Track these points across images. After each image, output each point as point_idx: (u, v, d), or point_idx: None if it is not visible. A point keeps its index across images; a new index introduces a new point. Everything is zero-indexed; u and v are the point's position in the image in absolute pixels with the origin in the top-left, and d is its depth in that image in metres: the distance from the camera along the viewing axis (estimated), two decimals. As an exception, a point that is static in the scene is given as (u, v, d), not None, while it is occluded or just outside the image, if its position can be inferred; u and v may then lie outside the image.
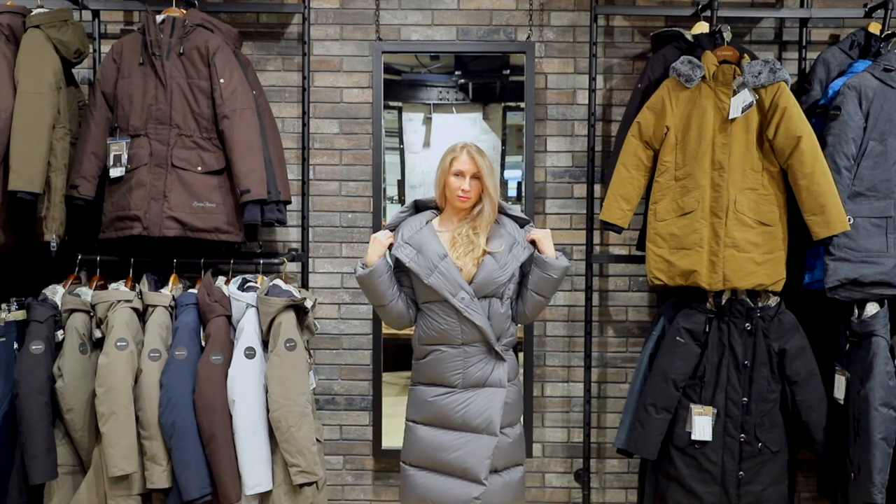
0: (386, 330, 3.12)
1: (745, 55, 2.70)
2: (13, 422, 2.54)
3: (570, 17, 3.12)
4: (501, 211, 2.43)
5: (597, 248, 3.11)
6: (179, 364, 2.54)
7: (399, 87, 3.20)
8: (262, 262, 2.88)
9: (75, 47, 2.72)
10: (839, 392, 2.65)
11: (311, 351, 2.94)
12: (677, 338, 2.66)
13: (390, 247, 2.39)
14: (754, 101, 2.60)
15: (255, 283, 2.77)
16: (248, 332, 2.61)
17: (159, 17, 2.73)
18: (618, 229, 2.78)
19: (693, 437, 2.62)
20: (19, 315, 2.63)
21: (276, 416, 2.54)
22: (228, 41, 2.77)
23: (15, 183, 2.52)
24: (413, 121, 3.28)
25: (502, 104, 3.27)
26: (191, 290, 2.71)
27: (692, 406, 2.64)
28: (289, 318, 2.59)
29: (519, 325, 2.51)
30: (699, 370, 2.65)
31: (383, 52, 3.08)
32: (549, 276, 2.36)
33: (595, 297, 3.11)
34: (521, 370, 3.13)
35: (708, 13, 2.83)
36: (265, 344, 2.65)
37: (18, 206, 2.61)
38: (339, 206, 3.15)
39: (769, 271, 2.60)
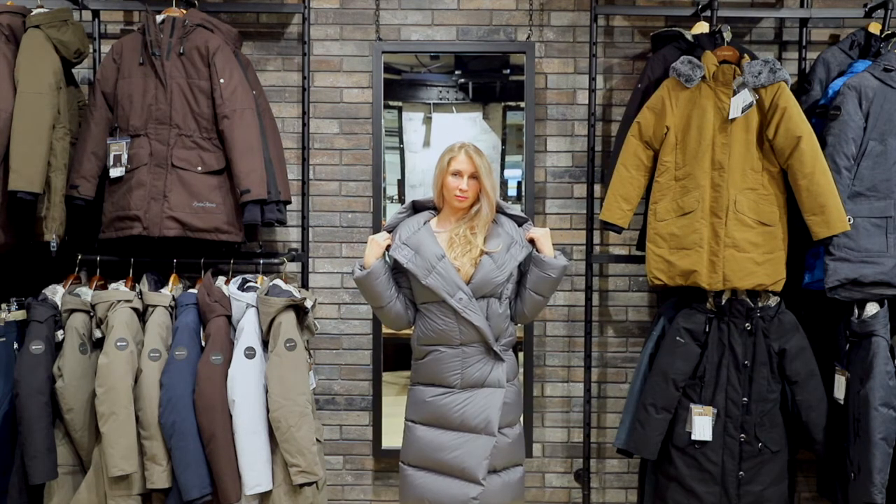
0: (386, 330, 3.12)
1: (745, 55, 2.70)
2: (13, 422, 2.54)
3: (570, 17, 3.12)
4: (499, 210, 2.43)
5: (597, 248, 3.11)
6: (179, 364, 2.54)
7: (399, 87, 3.20)
8: (262, 262, 2.88)
9: (75, 47, 2.72)
10: (839, 392, 2.65)
11: (311, 351, 2.94)
12: (677, 338, 2.66)
13: (388, 248, 2.39)
14: (754, 101, 2.60)
15: (255, 283, 2.77)
16: (248, 332, 2.61)
17: (159, 17, 2.73)
18: (618, 229, 2.78)
19: (693, 437, 2.62)
20: (19, 315, 2.63)
21: (276, 416, 2.54)
22: (228, 41, 2.77)
23: (15, 183, 2.52)
24: (413, 120, 3.28)
25: (502, 104, 3.27)
26: (191, 290, 2.71)
27: (692, 406, 2.64)
28: (289, 318, 2.59)
29: (518, 325, 2.51)
30: (699, 370, 2.65)
31: (383, 52, 3.08)
32: (547, 276, 2.35)
33: (595, 297, 3.11)
34: (521, 370, 3.13)
35: (708, 13, 2.83)
36: (265, 344, 2.65)
37: (18, 206, 2.61)
38: (339, 206, 3.15)
39: (769, 271, 2.60)
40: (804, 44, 3.02)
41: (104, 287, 2.73)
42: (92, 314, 2.62)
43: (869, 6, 2.83)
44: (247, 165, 2.63)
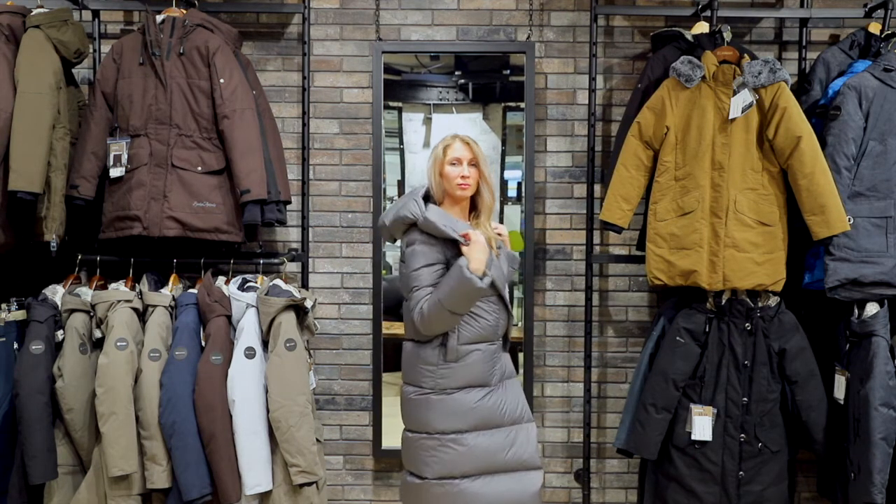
0: (386, 330, 3.13)
1: (745, 55, 2.70)
2: (13, 422, 2.54)
3: (570, 17, 3.12)
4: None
5: (597, 248, 3.10)
6: (179, 364, 2.54)
7: (399, 87, 3.20)
8: (262, 262, 2.88)
9: (75, 47, 2.72)
10: (839, 392, 2.65)
11: (311, 351, 2.94)
12: (677, 338, 2.66)
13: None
14: (754, 101, 2.60)
15: (255, 283, 2.77)
16: (248, 332, 2.61)
17: (159, 17, 2.73)
18: (618, 229, 2.78)
19: (693, 437, 2.62)
20: (19, 315, 2.63)
21: (276, 416, 2.54)
22: (228, 41, 2.77)
23: (15, 183, 2.52)
24: (413, 121, 3.28)
25: (502, 104, 3.27)
26: (191, 290, 2.71)
27: (692, 406, 2.64)
28: (289, 318, 2.59)
29: None
30: (699, 370, 2.65)
31: (383, 52, 3.08)
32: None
33: (595, 297, 3.11)
34: (522, 370, 3.14)
35: (708, 13, 2.83)
36: (265, 344, 2.65)
37: (18, 206, 2.61)
38: (339, 206, 3.14)
39: (769, 271, 2.60)
40: (804, 44, 3.02)
41: (104, 287, 2.73)
42: (92, 314, 2.62)
43: (869, 6, 2.83)
44: (247, 165, 2.63)
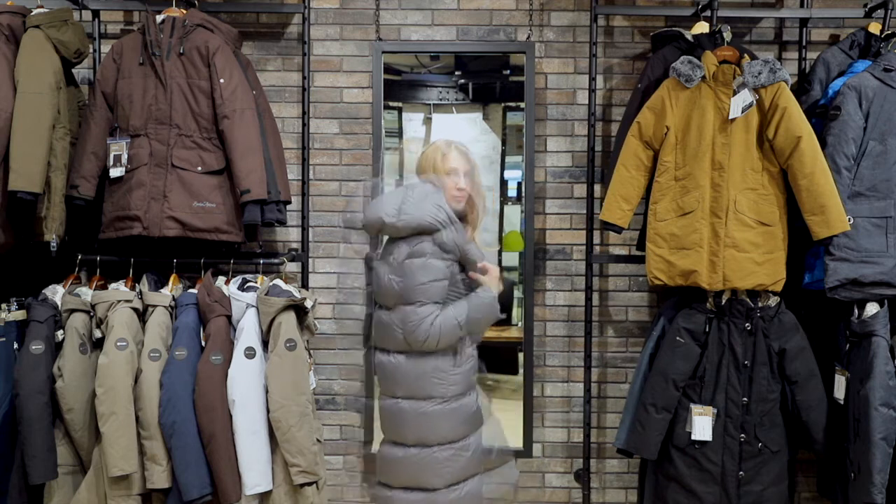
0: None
1: (745, 55, 2.70)
2: (13, 422, 2.54)
3: (570, 17, 3.12)
4: None
5: (597, 248, 3.10)
6: (179, 364, 2.54)
7: (399, 87, 3.21)
8: (262, 262, 2.88)
9: (75, 47, 2.72)
10: (839, 392, 2.65)
11: (311, 351, 2.94)
12: (677, 338, 2.66)
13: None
14: (754, 101, 2.60)
15: (255, 283, 2.77)
16: (248, 332, 2.61)
17: (159, 17, 2.73)
18: (618, 229, 2.78)
19: (693, 437, 2.62)
20: (19, 315, 2.63)
21: (276, 416, 2.54)
22: (228, 41, 2.77)
23: (15, 183, 2.52)
24: (413, 121, 3.28)
25: (502, 104, 3.27)
26: (191, 290, 2.71)
27: (692, 406, 2.64)
28: (289, 318, 2.59)
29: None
30: (699, 370, 2.65)
31: (383, 52, 3.08)
32: None
33: (595, 297, 3.11)
34: (522, 370, 3.14)
35: (708, 13, 2.83)
36: (265, 344, 2.65)
37: (18, 206, 2.61)
38: (339, 206, 3.14)
39: (769, 271, 2.60)
40: (804, 44, 3.02)
41: (104, 287, 2.73)
42: (92, 314, 2.62)
43: (869, 6, 2.83)
44: (247, 165, 2.63)
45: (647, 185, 2.75)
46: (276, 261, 2.92)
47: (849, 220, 2.52)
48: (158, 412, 2.51)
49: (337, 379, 3.17)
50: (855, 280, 2.55)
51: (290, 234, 3.14)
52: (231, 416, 2.55)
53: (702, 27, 2.86)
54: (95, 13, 2.98)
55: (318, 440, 2.69)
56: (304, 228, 3.06)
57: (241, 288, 2.72)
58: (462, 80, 3.25)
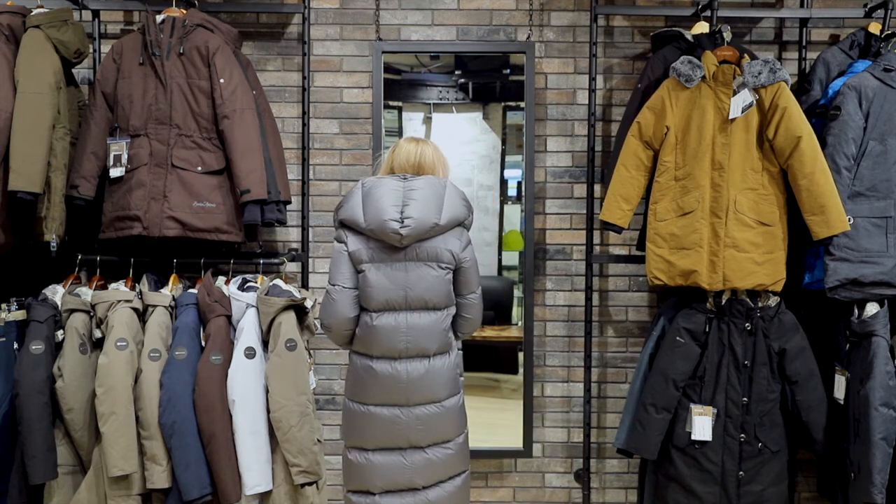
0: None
1: (745, 55, 2.70)
2: (13, 422, 2.54)
3: (570, 17, 3.12)
4: None
5: (597, 248, 3.10)
6: (179, 364, 2.54)
7: (399, 87, 3.20)
8: (262, 262, 2.88)
9: (75, 47, 2.72)
10: (839, 392, 2.65)
11: (311, 351, 2.94)
12: (677, 338, 2.66)
13: None
14: (754, 101, 2.60)
15: (256, 283, 2.77)
16: (248, 332, 2.61)
17: (159, 17, 2.73)
18: (618, 229, 2.78)
19: (693, 437, 2.62)
20: (19, 315, 2.63)
21: (276, 416, 2.54)
22: (228, 41, 2.77)
23: (15, 183, 2.52)
24: (413, 120, 3.28)
25: (502, 104, 3.27)
26: (191, 290, 2.71)
27: (692, 406, 2.64)
28: (289, 318, 2.59)
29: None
30: (699, 370, 2.65)
31: (383, 52, 3.08)
32: None
33: (595, 297, 3.11)
34: (522, 370, 3.14)
35: (708, 13, 2.83)
36: (265, 344, 2.65)
37: (18, 206, 2.61)
38: (339, 206, 3.14)
39: (769, 271, 2.60)
40: (804, 44, 3.02)
41: (104, 287, 2.73)
42: (92, 314, 2.62)
43: (869, 6, 2.83)
44: (247, 165, 2.63)
45: (647, 185, 2.75)
46: (276, 261, 2.92)
47: (849, 220, 2.52)
48: (158, 412, 2.51)
49: (337, 379, 3.17)
50: (855, 280, 2.55)
51: (290, 234, 3.14)
52: (231, 416, 2.55)
53: (702, 27, 2.86)
54: (95, 13, 2.98)
55: (318, 440, 2.69)
56: (304, 228, 3.06)
57: (241, 288, 2.72)
58: (462, 80, 3.25)
